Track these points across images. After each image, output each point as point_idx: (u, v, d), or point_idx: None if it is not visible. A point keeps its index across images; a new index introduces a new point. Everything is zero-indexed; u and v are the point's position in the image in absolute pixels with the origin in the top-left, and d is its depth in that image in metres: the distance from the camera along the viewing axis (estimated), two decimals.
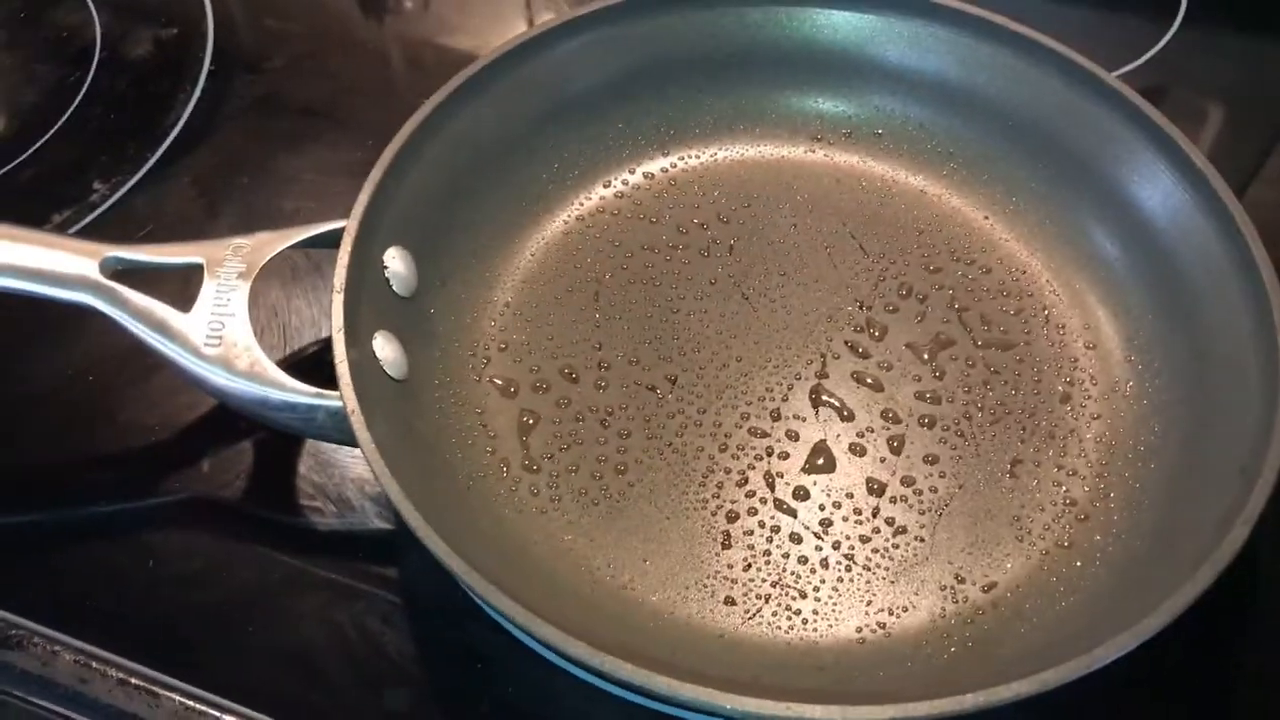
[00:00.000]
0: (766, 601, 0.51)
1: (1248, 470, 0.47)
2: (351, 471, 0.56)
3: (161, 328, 0.52)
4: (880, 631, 0.50)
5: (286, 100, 0.74)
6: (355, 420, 0.48)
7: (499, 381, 0.57)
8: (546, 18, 0.79)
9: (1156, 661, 0.46)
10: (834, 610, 0.50)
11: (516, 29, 0.79)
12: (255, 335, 0.52)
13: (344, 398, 0.48)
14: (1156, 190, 0.58)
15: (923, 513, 0.53)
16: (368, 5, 0.82)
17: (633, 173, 0.65)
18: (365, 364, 0.51)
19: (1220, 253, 0.54)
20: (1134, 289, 0.58)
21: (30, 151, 0.69)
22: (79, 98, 0.72)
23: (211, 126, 0.71)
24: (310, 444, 0.57)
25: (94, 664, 0.50)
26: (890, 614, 0.50)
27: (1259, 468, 0.47)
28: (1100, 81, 0.60)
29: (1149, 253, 0.58)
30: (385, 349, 0.53)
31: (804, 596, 0.51)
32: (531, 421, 0.56)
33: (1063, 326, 0.59)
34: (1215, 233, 0.55)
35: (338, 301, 0.51)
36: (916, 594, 0.51)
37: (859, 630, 0.50)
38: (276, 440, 0.57)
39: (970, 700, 0.41)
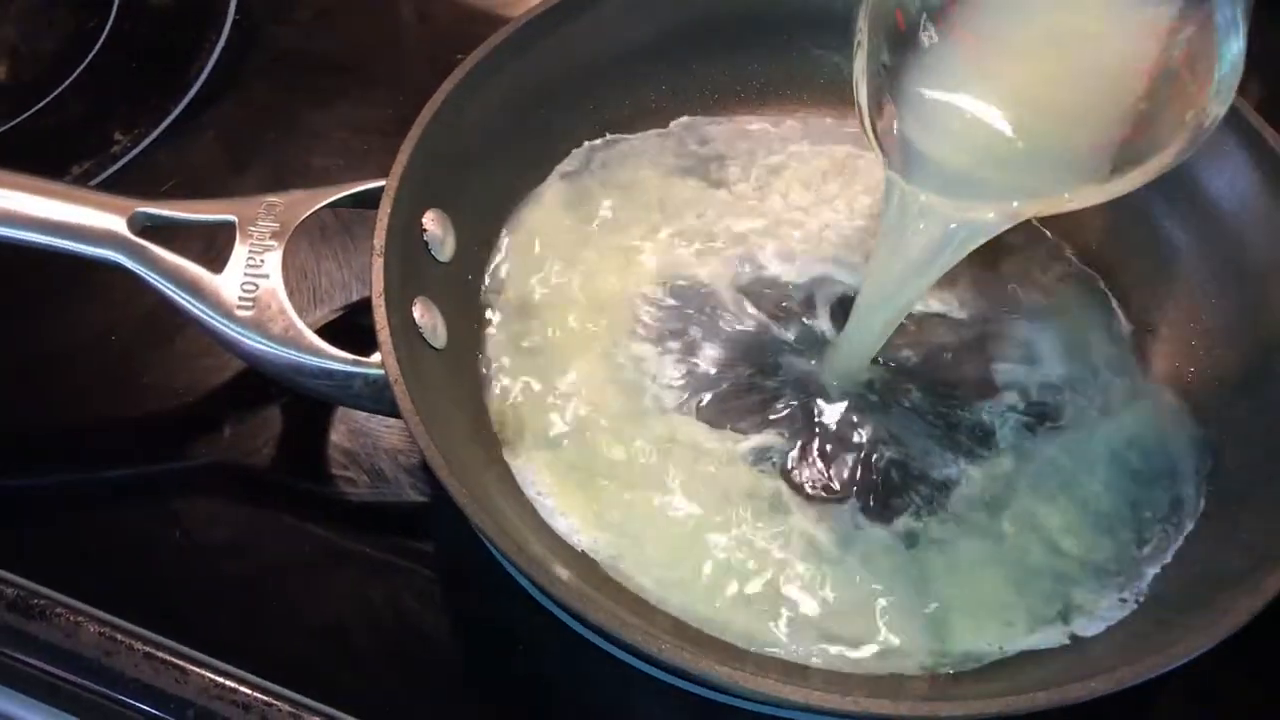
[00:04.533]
0: None
1: None
2: (385, 441, 0.54)
3: (192, 288, 0.50)
4: None
5: (313, 54, 0.71)
6: (398, 390, 0.46)
7: None
8: None
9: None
10: None
11: None
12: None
13: (385, 366, 0.46)
14: (1224, 170, 0.56)
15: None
16: None
17: None
18: (406, 331, 0.49)
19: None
20: (1198, 272, 0.56)
21: (48, 100, 0.66)
22: (98, 45, 0.69)
23: (236, 79, 0.69)
24: (342, 411, 0.55)
25: (119, 636, 0.48)
26: None
27: None
28: None
29: (1215, 236, 0.56)
30: (425, 316, 0.51)
31: None
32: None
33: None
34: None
35: (378, 265, 0.49)
36: None
37: None
38: (306, 406, 0.55)
39: (1043, 699, 0.39)
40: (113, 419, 0.56)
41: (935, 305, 0.57)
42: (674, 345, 0.55)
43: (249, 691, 0.47)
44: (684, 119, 0.63)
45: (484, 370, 0.53)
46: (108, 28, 0.70)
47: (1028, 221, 0.53)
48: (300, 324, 0.50)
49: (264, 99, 0.68)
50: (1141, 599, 0.48)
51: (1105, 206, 0.50)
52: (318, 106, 0.68)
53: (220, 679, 0.47)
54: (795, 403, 0.53)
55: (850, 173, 0.61)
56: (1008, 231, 0.50)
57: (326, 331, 0.51)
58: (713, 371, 0.54)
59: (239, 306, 0.50)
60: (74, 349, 0.57)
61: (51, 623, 0.48)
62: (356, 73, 0.70)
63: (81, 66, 0.68)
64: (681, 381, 0.54)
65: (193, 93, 0.67)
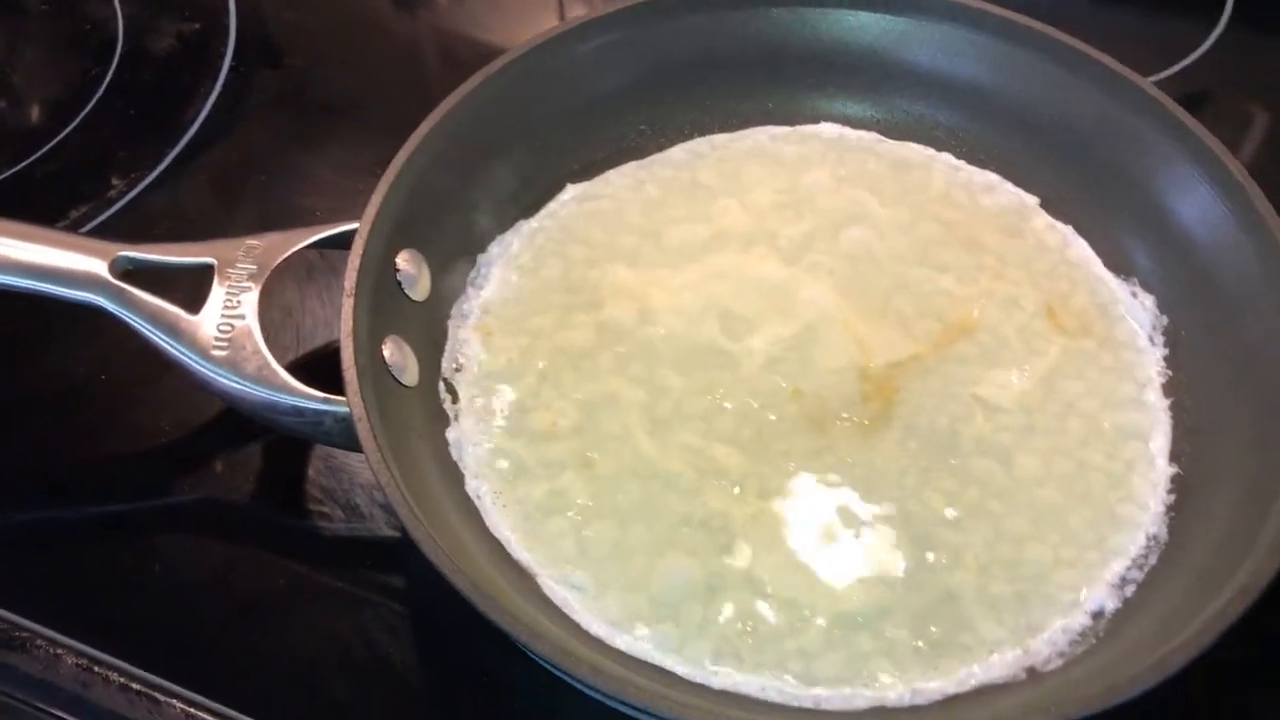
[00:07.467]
0: None
1: None
2: (361, 477, 0.55)
3: (170, 329, 0.51)
4: None
5: (308, 97, 0.73)
6: (361, 427, 0.47)
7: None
8: (577, 11, 0.78)
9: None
10: None
11: (547, 22, 0.78)
12: (268, 336, 0.52)
13: (350, 404, 0.47)
14: (1194, 203, 0.56)
15: None
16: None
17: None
18: (375, 369, 0.50)
19: (1259, 272, 0.53)
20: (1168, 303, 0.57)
21: (50, 145, 0.69)
22: (100, 92, 0.71)
23: (231, 123, 0.71)
24: (320, 448, 0.56)
25: (96, 668, 0.49)
26: None
27: None
28: (1138, 90, 0.58)
29: (1185, 268, 0.56)
30: (395, 354, 0.52)
31: None
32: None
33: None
34: (1254, 250, 0.53)
35: (347, 305, 0.50)
36: None
37: None
38: (286, 444, 0.56)
39: None
40: (99, 456, 0.57)
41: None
42: (642, 375, 0.55)
43: None
44: (662, 154, 0.64)
45: (453, 408, 0.54)
46: (109, 75, 0.72)
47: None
48: (274, 363, 0.51)
49: (257, 143, 0.70)
50: (1101, 634, 0.48)
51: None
52: (309, 149, 0.70)
53: (192, 710, 0.49)
54: (769, 429, 0.54)
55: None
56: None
57: (308, 369, 0.52)
58: (684, 404, 0.55)
59: (215, 346, 0.51)
60: (64, 388, 0.59)
61: (32, 655, 0.50)
62: (348, 115, 0.72)
63: (83, 114, 0.70)
64: (650, 410, 0.54)
65: (188, 138, 0.69)
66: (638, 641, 0.48)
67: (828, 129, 0.64)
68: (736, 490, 0.51)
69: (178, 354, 0.51)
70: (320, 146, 0.70)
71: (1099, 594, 0.49)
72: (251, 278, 0.53)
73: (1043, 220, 0.61)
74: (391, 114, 0.71)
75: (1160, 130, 0.58)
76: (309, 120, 0.71)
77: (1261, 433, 0.50)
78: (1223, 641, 0.42)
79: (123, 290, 0.52)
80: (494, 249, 0.60)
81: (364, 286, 0.51)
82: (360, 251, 0.52)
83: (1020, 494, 0.52)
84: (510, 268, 0.59)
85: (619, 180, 0.63)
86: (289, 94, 0.73)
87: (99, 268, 0.52)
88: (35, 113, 0.71)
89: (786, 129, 0.64)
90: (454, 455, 0.53)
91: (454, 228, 0.58)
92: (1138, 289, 0.58)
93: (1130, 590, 0.49)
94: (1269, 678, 0.50)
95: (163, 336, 0.51)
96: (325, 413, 0.50)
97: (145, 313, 0.52)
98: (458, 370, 0.55)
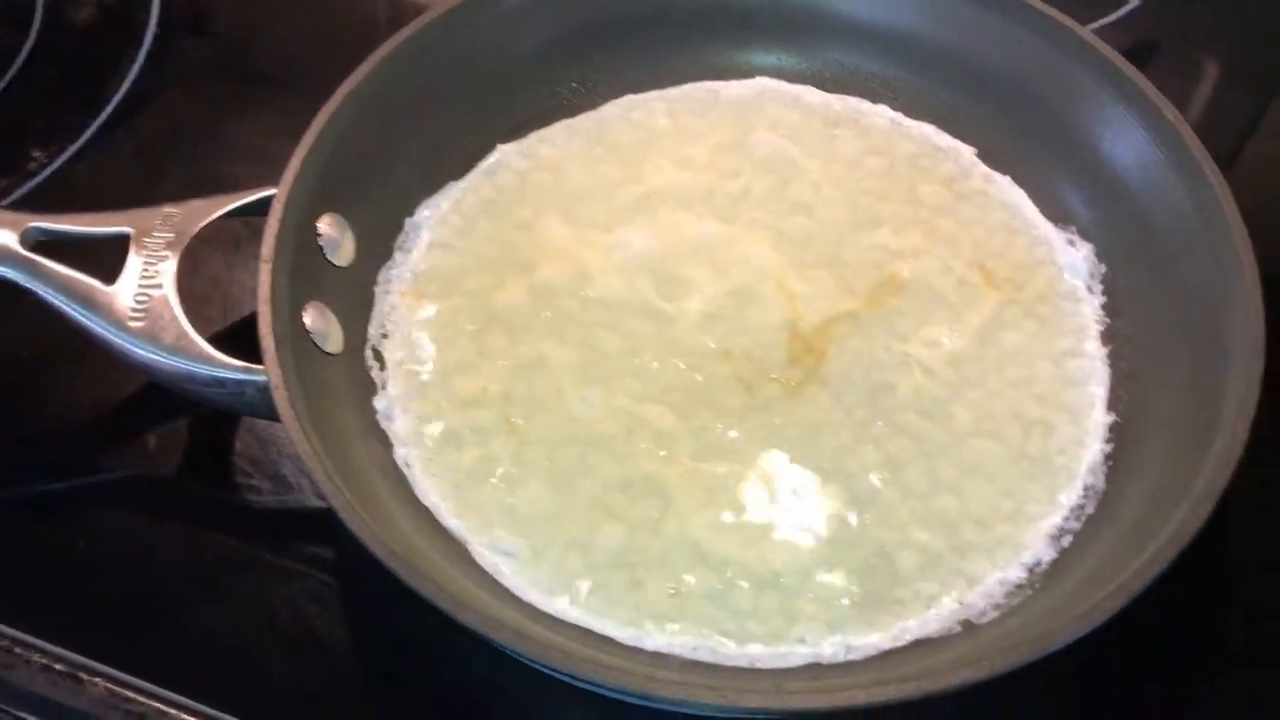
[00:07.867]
0: None
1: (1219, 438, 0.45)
2: (288, 448, 0.54)
3: (85, 301, 0.50)
4: None
5: (236, 63, 0.71)
6: (279, 395, 0.46)
7: None
8: None
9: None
10: None
11: None
12: (192, 308, 0.51)
13: (268, 372, 0.46)
14: (1130, 149, 0.56)
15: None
16: None
17: None
18: (295, 337, 0.49)
19: (1194, 215, 0.52)
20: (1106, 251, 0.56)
21: None
22: (19, 62, 0.69)
23: (156, 91, 0.69)
24: (247, 421, 0.55)
25: (16, 649, 0.48)
26: None
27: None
28: (1074, 36, 0.58)
29: (1122, 215, 0.55)
30: (317, 321, 0.51)
31: None
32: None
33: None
34: (1189, 194, 0.52)
35: (264, 271, 0.49)
36: None
37: None
38: (213, 417, 0.55)
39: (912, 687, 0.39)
40: (21, 434, 0.56)
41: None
42: (574, 338, 0.54)
43: (146, 701, 0.47)
44: (594, 112, 0.62)
45: (380, 375, 0.53)
46: (29, 44, 0.70)
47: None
48: (192, 333, 0.50)
49: (184, 110, 0.68)
50: (1038, 585, 0.47)
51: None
52: (238, 116, 0.68)
53: (117, 689, 0.47)
54: (699, 390, 0.53)
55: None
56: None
57: (236, 340, 0.51)
58: (617, 366, 0.53)
59: (131, 318, 0.50)
60: None
61: None
62: (278, 82, 0.70)
63: (1, 85, 0.68)
64: (582, 373, 0.53)
65: (111, 107, 0.67)
66: (571, 606, 0.47)
67: (763, 83, 0.63)
68: (666, 453, 0.50)
69: (93, 326, 0.50)
70: (249, 114, 0.68)
71: (1036, 546, 0.48)
72: (169, 246, 0.52)
73: (980, 171, 0.60)
74: (323, 79, 0.68)
75: (1096, 77, 0.57)
76: (237, 87, 0.70)
77: (1197, 377, 0.49)
78: (1155, 588, 0.41)
79: (35, 263, 0.50)
80: (422, 212, 0.58)
81: (283, 252, 0.50)
82: (278, 216, 0.50)
83: (956, 448, 0.51)
84: (439, 231, 0.58)
85: (551, 139, 0.61)
86: (216, 61, 0.71)
87: (8, 239, 0.51)
88: None
89: (720, 84, 0.63)
90: (382, 423, 0.52)
91: (379, 191, 0.56)
92: (1075, 237, 0.57)
93: (1067, 540, 0.49)
94: (1207, 624, 0.50)
95: (77, 309, 0.50)
96: (246, 382, 0.49)
97: (58, 285, 0.50)
98: (385, 336, 0.54)
